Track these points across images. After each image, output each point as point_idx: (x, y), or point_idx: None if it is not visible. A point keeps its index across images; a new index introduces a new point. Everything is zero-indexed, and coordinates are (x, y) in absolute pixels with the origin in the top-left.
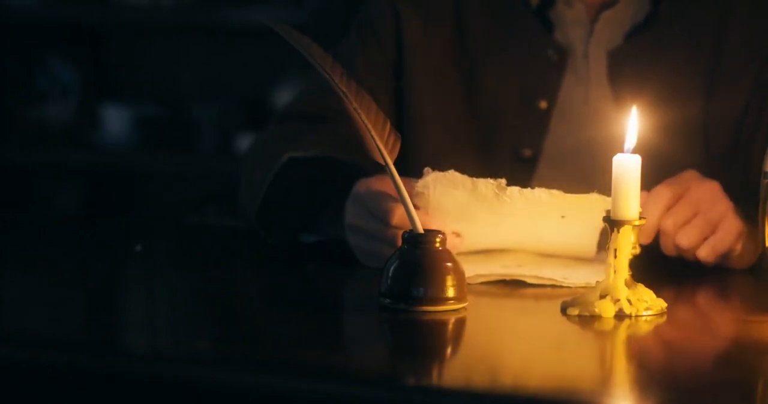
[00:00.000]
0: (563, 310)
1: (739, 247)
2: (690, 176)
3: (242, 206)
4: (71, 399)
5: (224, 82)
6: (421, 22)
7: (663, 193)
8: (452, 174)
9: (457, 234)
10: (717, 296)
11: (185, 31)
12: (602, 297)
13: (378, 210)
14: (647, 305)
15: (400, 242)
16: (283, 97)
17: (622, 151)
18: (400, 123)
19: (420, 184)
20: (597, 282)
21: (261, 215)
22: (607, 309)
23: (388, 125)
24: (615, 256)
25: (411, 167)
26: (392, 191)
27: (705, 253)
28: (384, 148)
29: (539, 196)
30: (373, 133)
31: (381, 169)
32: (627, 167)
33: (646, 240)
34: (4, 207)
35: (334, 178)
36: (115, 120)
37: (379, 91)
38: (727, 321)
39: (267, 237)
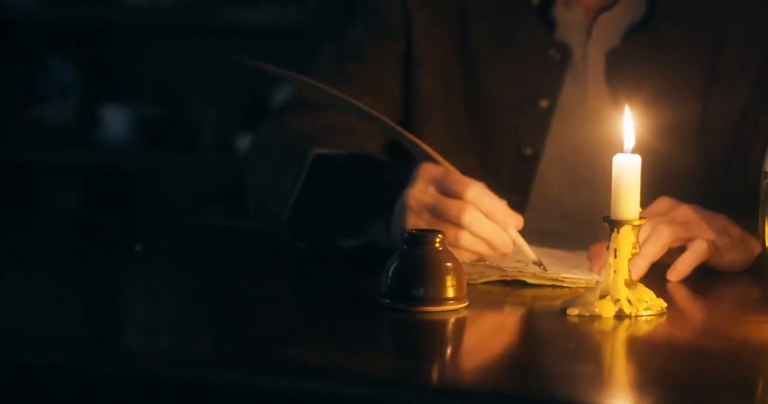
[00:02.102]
0: (563, 310)
1: (733, 256)
2: (667, 205)
3: (261, 207)
4: (71, 399)
5: (224, 82)
6: (427, 17)
7: (665, 232)
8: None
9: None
10: (717, 296)
11: (185, 31)
12: (602, 297)
13: (452, 185)
14: (647, 305)
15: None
16: (283, 97)
17: (621, 151)
18: (407, 116)
19: None
20: (597, 282)
21: (293, 219)
22: (607, 309)
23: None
24: (615, 256)
25: (417, 163)
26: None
27: (672, 277)
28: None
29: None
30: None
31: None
32: (627, 167)
33: (638, 277)
34: (4, 207)
35: (362, 178)
36: (115, 120)
37: (390, 84)
38: (727, 321)
39: (295, 241)
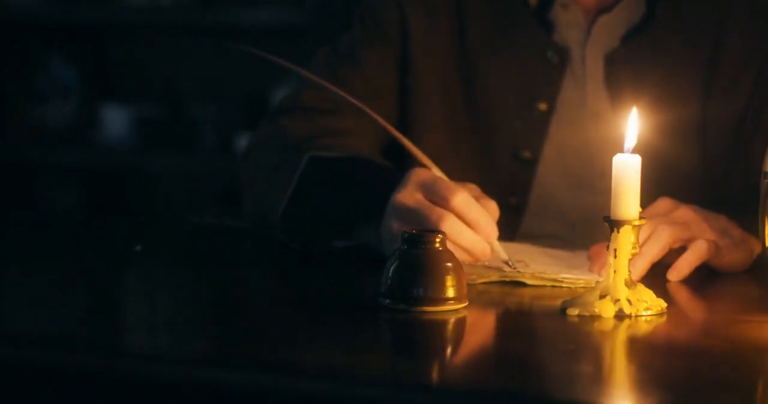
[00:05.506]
0: (563, 310)
1: (734, 256)
2: (667, 206)
3: (256, 208)
4: (71, 399)
5: (224, 82)
6: (424, 21)
7: (665, 232)
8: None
9: None
10: (717, 296)
11: (185, 31)
12: (602, 297)
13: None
14: (647, 305)
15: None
16: (281, 97)
17: (621, 152)
18: (404, 121)
19: None
20: (597, 282)
21: (286, 220)
22: (607, 309)
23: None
24: (615, 256)
25: (411, 167)
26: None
27: (673, 277)
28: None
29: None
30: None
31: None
32: (627, 167)
33: (638, 277)
34: (4, 207)
35: (357, 180)
36: (115, 120)
37: (385, 89)
38: (726, 321)
39: (289, 242)
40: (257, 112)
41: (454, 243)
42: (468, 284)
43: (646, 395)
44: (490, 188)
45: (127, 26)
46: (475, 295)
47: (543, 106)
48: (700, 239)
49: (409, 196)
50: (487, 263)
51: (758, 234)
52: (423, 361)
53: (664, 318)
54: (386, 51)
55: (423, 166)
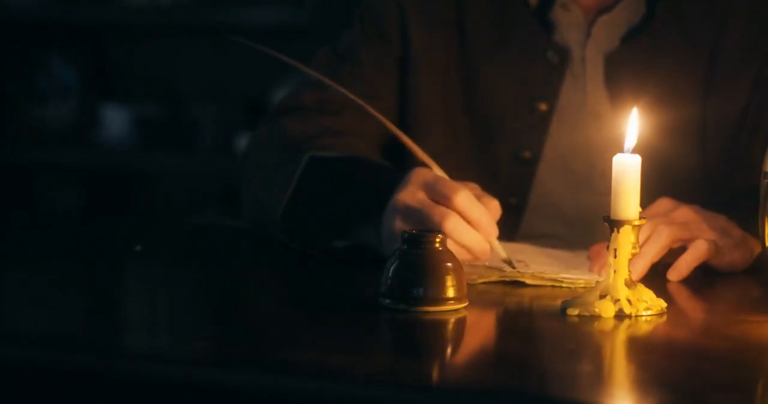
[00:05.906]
0: (563, 310)
1: (734, 256)
2: (667, 206)
3: (256, 207)
4: (71, 399)
5: (224, 82)
6: (424, 21)
7: (665, 232)
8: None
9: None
10: (717, 296)
11: (185, 31)
12: (602, 297)
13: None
14: (647, 305)
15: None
16: (281, 97)
17: (621, 152)
18: (403, 121)
19: None
20: (597, 282)
21: (286, 219)
22: (607, 309)
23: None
24: (615, 256)
25: (411, 168)
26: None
27: (673, 277)
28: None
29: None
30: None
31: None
32: (627, 167)
33: (638, 277)
34: (4, 207)
35: (357, 180)
36: (115, 120)
37: (385, 89)
38: (727, 321)
39: (289, 242)
40: (257, 112)
41: (455, 242)
42: (468, 284)
43: (646, 395)
44: (490, 188)
45: (127, 26)
46: (475, 295)
47: (543, 106)
48: (700, 239)
49: (410, 195)
50: (487, 263)
51: (758, 234)
52: (423, 361)
53: (664, 318)
54: (386, 51)
55: (424, 164)
